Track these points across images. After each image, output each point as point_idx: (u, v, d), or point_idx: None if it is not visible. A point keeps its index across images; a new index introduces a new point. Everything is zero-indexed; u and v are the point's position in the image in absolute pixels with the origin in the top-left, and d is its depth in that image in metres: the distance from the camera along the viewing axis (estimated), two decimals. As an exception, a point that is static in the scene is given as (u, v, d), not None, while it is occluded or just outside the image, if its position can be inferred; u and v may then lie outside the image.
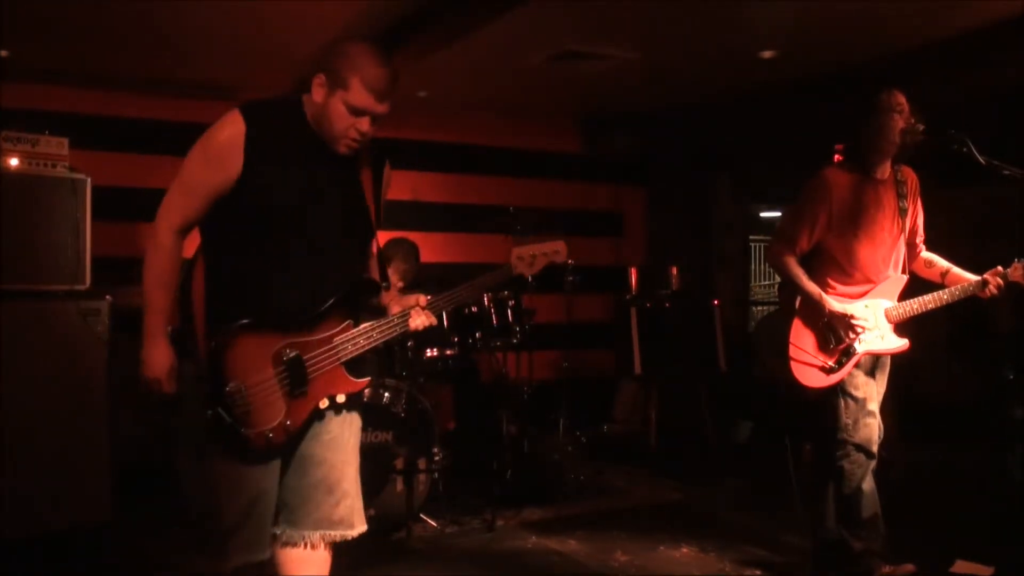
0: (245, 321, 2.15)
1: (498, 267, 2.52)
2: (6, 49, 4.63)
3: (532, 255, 2.52)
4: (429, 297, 2.41)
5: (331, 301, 2.25)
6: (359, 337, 2.29)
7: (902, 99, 3.20)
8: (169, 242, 2.22)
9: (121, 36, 4.53)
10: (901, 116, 3.18)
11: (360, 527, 2.39)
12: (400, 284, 4.97)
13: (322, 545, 2.34)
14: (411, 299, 2.40)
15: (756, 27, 4.52)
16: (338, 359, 2.25)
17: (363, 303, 2.38)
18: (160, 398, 2.25)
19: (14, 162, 4.00)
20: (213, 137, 2.18)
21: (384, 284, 2.45)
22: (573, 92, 5.88)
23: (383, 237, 2.67)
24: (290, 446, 2.27)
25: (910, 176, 3.42)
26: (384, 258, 5.57)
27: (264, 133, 2.17)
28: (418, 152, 6.29)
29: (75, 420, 3.98)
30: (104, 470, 4.03)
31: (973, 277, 3.36)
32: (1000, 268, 3.30)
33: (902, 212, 3.35)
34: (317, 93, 2.18)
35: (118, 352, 4.03)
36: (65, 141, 4.13)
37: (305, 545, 2.33)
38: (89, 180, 4.10)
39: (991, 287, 3.28)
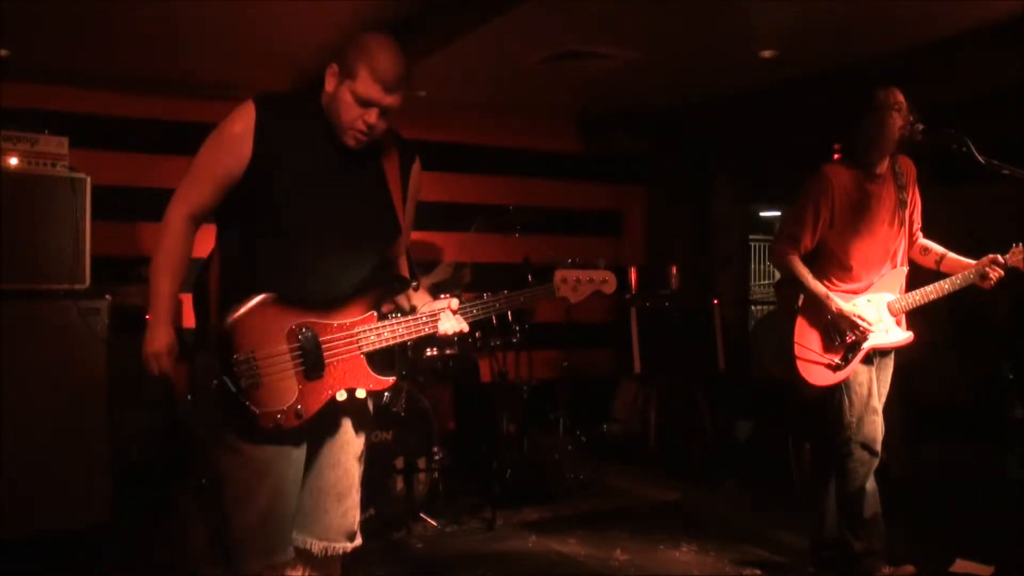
0: (263, 295, 2.07)
1: (540, 285, 2.38)
2: (6, 49, 4.62)
3: (577, 280, 2.39)
4: (459, 302, 2.28)
5: (355, 286, 2.18)
6: (383, 329, 2.19)
7: (901, 97, 3.20)
8: (178, 227, 2.16)
9: (121, 36, 4.53)
10: (900, 114, 3.19)
11: (359, 540, 2.35)
12: None
13: (323, 557, 2.24)
14: (442, 301, 2.27)
15: (756, 27, 4.51)
16: (358, 348, 2.16)
17: (387, 297, 2.28)
18: (160, 376, 2.16)
19: (14, 161, 4.00)
20: (225, 126, 2.16)
21: (414, 284, 2.36)
22: (572, 92, 5.87)
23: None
24: (303, 437, 2.17)
25: (908, 165, 3.42)
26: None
27: (276, 122, 2.15)
28: (418, 152, 6.26)
29: (75, 420, 3.99)
30: (104, 470, 4.04)
31: (969, 261, 3.38)
32: (999, 257, 3.32)
33: (902, 204, 3.35)
34: (329, 82, 2.16)
35: (117, 352, 4.03)
36: (65, 141, 4.14)
37: (307, 554, 2.23)
38: (89, 180, 4.11)
39: (991, 277, 3.30)
